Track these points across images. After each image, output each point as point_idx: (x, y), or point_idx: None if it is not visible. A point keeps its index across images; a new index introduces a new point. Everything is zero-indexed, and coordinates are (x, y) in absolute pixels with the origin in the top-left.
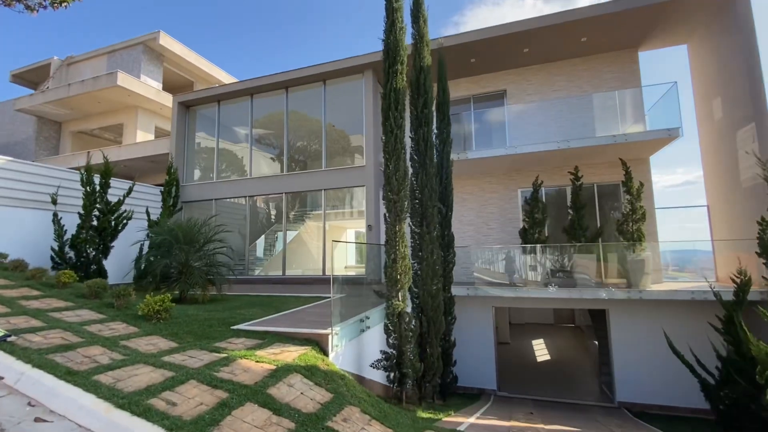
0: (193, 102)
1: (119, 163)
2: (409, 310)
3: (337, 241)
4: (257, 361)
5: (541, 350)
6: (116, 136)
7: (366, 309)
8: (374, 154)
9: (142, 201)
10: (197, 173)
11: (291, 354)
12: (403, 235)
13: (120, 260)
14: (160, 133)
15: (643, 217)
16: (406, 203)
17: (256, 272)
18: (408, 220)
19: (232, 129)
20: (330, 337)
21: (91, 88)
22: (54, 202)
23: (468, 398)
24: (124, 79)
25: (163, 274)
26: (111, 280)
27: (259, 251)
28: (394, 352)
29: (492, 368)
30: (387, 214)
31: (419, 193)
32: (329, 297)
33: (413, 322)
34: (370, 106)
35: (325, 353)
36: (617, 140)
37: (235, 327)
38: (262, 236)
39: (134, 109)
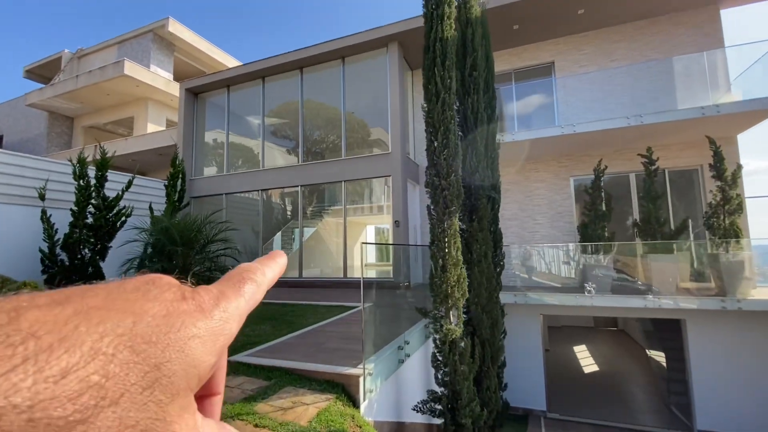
0: (201, 88)
1: (127, 157)
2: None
3: (369, 243)
4: (257, 425)
5: (585, 358)
6: (128, 131)
7: (401, 326)
8: (401, 141)
9: (145, 196)
10: (207, 166)
11: (307, 410)
12: (455, 234)
13: (121, 262)
14: (171, 126)
15: (739, 207)
16: (456, 192)
17: None
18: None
19: (244, 119)
20: (361, 379)
21: (98, 78)
22: (42, 197)
23: (515, 422)
24: (131, 68)
25: None
26: None
27: (275, 249)
28: (445, 392)
29: (540, 385)
30: (432, 207)
31: (467, 179)
32: (354, 306)
33: (469, 351)
34: (396, 85)
35: (355, 404)
36: (706, 113)
37: (234, 358)
38: (278, 233)
39: (144, 101)
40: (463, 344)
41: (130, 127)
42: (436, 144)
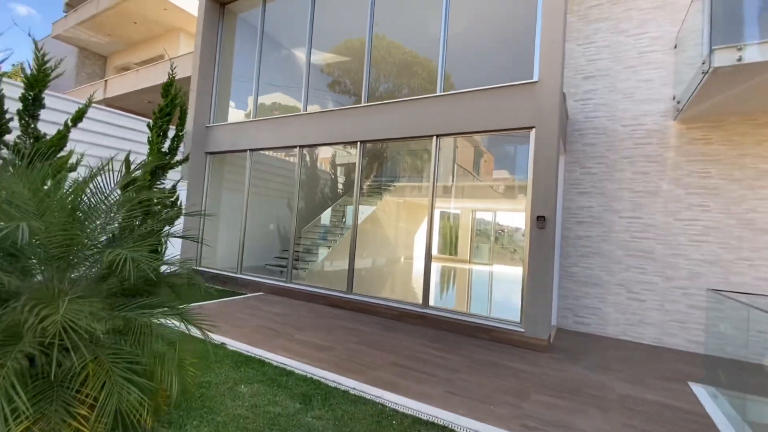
0: None
1: (141, 96)
2: None
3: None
4: None
5: None
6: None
7: None
8: (561, 63)
9: (127, 143)
10: (232, 110)
11: None
12: None
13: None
14: None
15: None
16: None
17: (307, 272)
18: None
19: (284, 47)
20: None
21: None
22: None
23: None
24: None
25: None
26: None
27: (316, 238)
28: None
29: None
30: None
31: None
32: None
33: None
34: None
35: None
36: None
37: None
38: (327, 212)
39: (176, 34)
40: None
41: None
42: None
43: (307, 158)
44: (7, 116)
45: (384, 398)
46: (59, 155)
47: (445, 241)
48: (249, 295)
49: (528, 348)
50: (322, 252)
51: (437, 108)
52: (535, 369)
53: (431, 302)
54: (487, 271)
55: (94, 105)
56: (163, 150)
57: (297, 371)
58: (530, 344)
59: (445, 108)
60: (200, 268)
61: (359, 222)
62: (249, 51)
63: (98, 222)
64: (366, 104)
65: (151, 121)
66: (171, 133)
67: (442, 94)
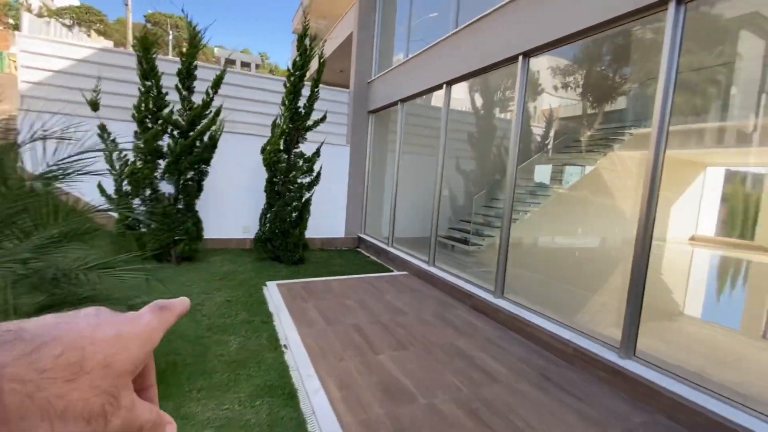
0: None
1: (332, 65)
2: None
3: None
4: None
5: None
6: None
7: None
8: None
9: (269, 105)
10: (397, 60)
11: None
12: None
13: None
14: None
15: None
16: None
17: (472, 253)
18: None
19: None
20: None
21: None
22: (94, 104)
23: None
24: None
25: None
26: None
27: (491, 211)
28: None
29: None
30: None
31: None
32: None
33: None
34: None
35: None
36: None
37: None
38: (517, 173)
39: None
40: None
41: None
42: None
43: (478, 101)
44: (163, 91)
45: None
46: (203, 122)
47: (733, 216)
48: (391, 274)
49: None
50: (495, 229)
51: None
52: None
53: (642, 345)
54: None
55: (230, 70)
56: (298, 110)
57: None
58: None
59: None
60: (363, 236)
61: (565, 187)
62: None
63: None
64: None
65: (285, 79)
66: (306, 92)
67: None
